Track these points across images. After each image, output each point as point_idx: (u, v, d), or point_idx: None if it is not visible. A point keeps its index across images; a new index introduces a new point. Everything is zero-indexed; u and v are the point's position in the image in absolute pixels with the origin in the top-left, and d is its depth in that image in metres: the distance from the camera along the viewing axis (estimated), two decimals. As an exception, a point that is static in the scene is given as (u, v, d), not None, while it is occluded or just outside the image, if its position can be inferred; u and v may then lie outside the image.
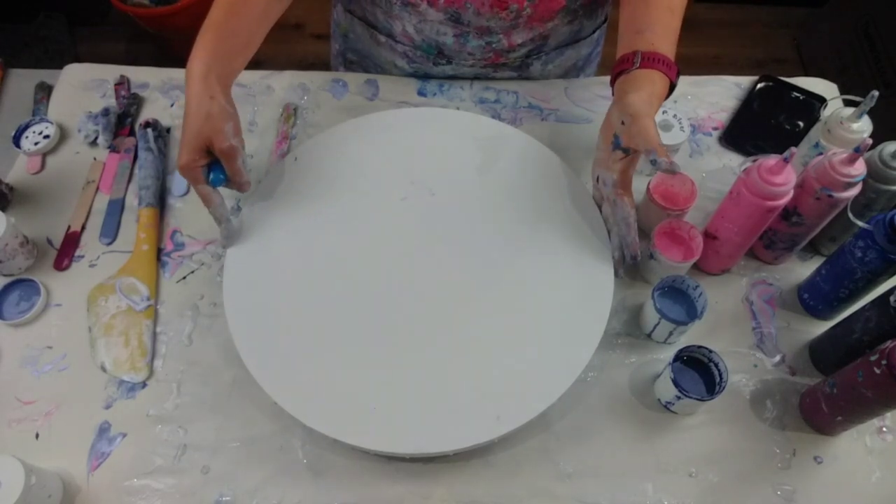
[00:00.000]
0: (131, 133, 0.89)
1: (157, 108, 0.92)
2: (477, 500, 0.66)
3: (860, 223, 0.65)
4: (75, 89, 0.94)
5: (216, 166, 0.70)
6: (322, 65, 1.03)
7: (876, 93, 0.66)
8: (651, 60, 0.68)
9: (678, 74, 0.69)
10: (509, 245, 0.74)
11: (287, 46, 2.08)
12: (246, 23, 0.72)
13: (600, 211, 0.74)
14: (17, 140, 0.87)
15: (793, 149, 0.61)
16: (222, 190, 0.72)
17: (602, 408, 0.70)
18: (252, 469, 0.67)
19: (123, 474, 0.67)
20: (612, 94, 0.72)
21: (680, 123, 0.80)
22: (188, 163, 0.67)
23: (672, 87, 0.69)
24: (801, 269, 0.79)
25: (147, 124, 0.87)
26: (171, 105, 0.92)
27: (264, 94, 0.93)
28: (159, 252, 0.80)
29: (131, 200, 0.84)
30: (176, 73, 0.95)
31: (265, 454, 0.68)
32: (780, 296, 0.77)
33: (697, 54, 2.13)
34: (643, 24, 0.71)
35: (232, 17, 0.70)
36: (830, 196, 0.65)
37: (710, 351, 0.67)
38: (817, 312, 0.75)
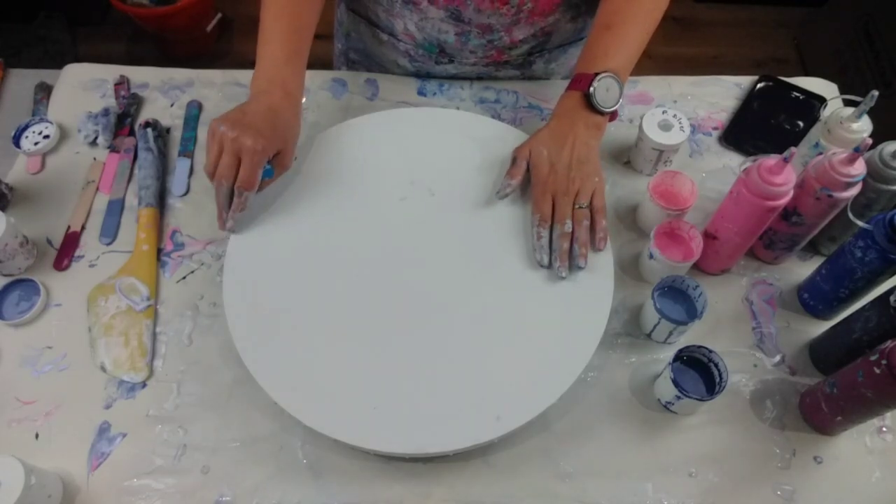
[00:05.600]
0: (131, 133, 0.89)
1: (156, 108, 0.92)
2: (477, 500, 0.66)
3: (860, 223, 0.65)
4: (75, 89, 0.94)
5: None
6: (322, 65, 1.02)
7: (876, 93, 0.66)
8: (568, 86, 0.76)
9: (591, 81, 0.73)
10: (510, 245, 0.74)
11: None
12: (309, 30, 0.78)
13: None
14: (17, 140, 0.87)
15: (793, 149, 0.61)
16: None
17: (602, 408, 0.70)
18: (252, 469, 0.67)
19: (123, 474, 0.67)
20: None
21: (680, 123, 0.80)
22: (267, 152, 0.69)
23: (587, 95, 0.74)
24: (801, 269, 0.79)
25: (147, 124, 0.87)
26: (171, 105, 0.92)
27: (264, 94, 0.93)
28: (159, 252, 0.80)
29: (131, 200, 0.84)
30: (176, 73, 0.95)
31: (265, 454, 0.68)
32: (780, 296, 0.77)
33: (697, 54, 2.13)
34: (580, 57, 0.78)
35: (304, 29, 0.76)
36: (830, 196, 0.65)
37: (710, 351, 0.67)
38: (817, 312, 0.75)
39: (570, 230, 0.72)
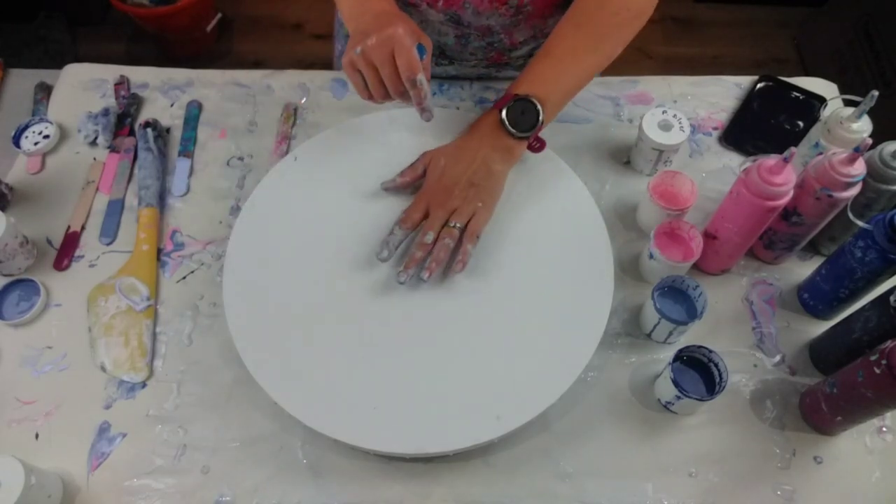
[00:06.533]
0: (131, 133, 0.89)
1: (156, 108, 0.92)
2: (477, 500, 0.66)
3: (860, 223, 0.65)
4: (75, 89, 0.94)
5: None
6: (322, 65, 1.03)
7: (876, 93, 0.66)
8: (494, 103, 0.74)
9: (508, 102, 0.71)
10: (509, 245, 0.74)
11: (287, 46, 2.08)
12: None
13: None
14: (17, 140, 0.87)
15: (793, 149, 0.61)
16: None
17: (602, 408, 0.70)
18: (252, 469, 0.67)
19: (123, 474, 0.67)
20: None
21: (680, 123, 0.80)
22: (405, 30, 0.64)
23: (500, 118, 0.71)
24: (801, 269, 0.79)
25: (147, 124, 0.87)
26: (171, 105, 0.92)
27: (264, 94, 0.93)
28: (159, 252, 0.80)
29: (131, 200, 0.84)
30: (176, 74, 0.95)
31: (265, 454, 0.68)
32: (780, 296, 0.77)
33: (697, 54, 2.13)
34: None
35: None
36: (830, 196, 0.65)
37: (710, 351, 0.67)
38: (817, 312, 0.75)
39: (430, 242, 0.70)
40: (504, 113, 0.71)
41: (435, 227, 0.70)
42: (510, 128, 0.71)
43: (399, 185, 0.75)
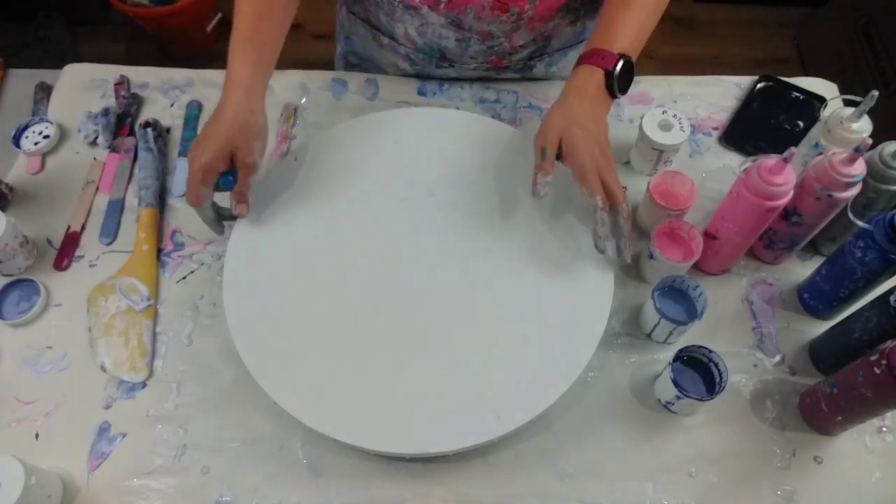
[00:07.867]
0: (131, 133, 0.89)
1: (156, 108, 0.92)
2: (477, 500, 0.66)
3: (860, 223, 0.65)
4: (75, 89, 0.94)
5: (227, 173, 0.70)
6: (322, 65, 1.03)
7: (876, 93, 0.66)
8: (584, 58, 0.70)
9: (617, 62, 0.68)
10: (509, 245, 0.74)
11: (287, 46, 2.07)
12: (273, 32, 0.74)
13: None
14: (17, 140, 0.87)
15: (793, 149, 0.61)
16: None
17: (602, 408, 0.70)
18: (252, 469, 0.67)
19: (123, 474, 0.67)
20: None
21: (680, 123, 0.80)
22: (211, 163, 0.67)
23: (609, 75, 0.68)
24: (801, 269, 0.79)
25: (147, 124, 0.87)
26: (171, 105, 0.92)
27: (264, 94, 0.93)
28: (159, 252, 0.80)
29: (131, 200, 0.84)
30: (176, 74, 0.95)
31: (265, 454, 0.68)
32: (780, 296, 0.77)
33: (697, 54, 2.13)
34: (594, 29, 0.73)
35: (262, 28, 0.72)
36: (830, 196, 0.65)
37: (710, 351, 0.67)
38: (817, 312, 0.75)
39: (630, 212, 0.68)
40: (616, 75, 0.69)
41: (622, 195, 0.68)
42: (618, 91, 0.70)
43: (550, 185, 0.69)
